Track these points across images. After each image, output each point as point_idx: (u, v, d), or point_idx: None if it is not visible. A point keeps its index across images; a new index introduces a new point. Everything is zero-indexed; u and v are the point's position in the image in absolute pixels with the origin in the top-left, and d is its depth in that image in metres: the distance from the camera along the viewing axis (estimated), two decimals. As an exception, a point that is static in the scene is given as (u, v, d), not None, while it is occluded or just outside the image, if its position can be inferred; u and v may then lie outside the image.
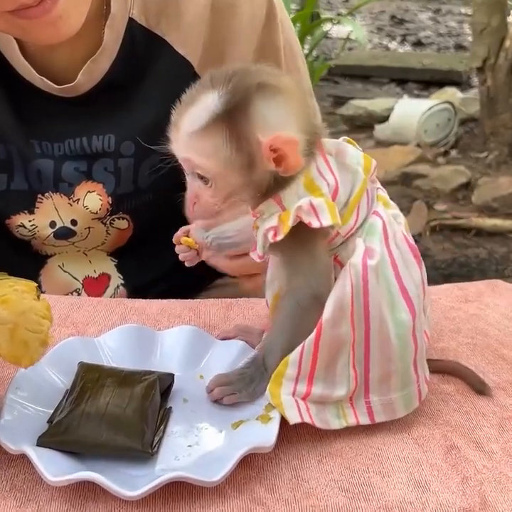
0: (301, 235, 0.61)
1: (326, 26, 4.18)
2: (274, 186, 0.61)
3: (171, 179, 0.95)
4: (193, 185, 0.62)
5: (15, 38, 0.86)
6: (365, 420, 0.64)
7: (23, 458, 0.59)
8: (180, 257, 0.72)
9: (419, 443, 0.63)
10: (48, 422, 0.62)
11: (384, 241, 0.63)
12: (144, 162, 0.92)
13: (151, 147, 0.65)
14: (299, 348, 0.62)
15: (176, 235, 0.72)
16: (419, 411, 0.67)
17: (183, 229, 0.73)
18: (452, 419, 0.66)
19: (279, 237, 0.60)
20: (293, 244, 0.62)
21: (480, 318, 0.83)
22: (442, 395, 0.69)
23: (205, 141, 0.58)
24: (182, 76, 0.89)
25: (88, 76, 0.88)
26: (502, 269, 2.52)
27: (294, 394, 0.63)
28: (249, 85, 0.58)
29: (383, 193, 0.68)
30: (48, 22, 0.74)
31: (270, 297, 0.70)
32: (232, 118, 0.57)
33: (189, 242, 0.72)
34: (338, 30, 4.60)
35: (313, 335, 0.61)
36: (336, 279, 0.63)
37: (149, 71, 0.90)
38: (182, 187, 0.97)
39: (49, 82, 0.87)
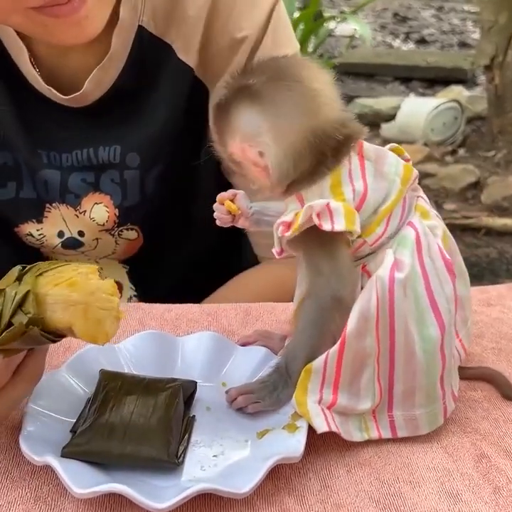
0: (323, 236, 0.60)
1: (330, 24, 4.17)
2: (294, 184, 0.61)
3: (179, 187, 0.94)
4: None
5: (28, 47, 0.85)
6: (387, 434, 0.63)
7: (47, 469, 0.58)
8: (215, 215, 0.69)
9: (449, 452, 0.62)
10: (71, 431, 0.61)
11: (416, 253, 0.61)
12: (149, 173, 0.91)
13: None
14: (322, 357, 0.61)
15: (221, 194, 0.71)
16: (448, 419, 0.65)
17: (230, 192, 0.71)
18: (481, 427, 0.65)
19: (288, 233, 0.59)
20: (314, 244, 0.61)
21: (503, 322, 0.82)
22: (470, 402, 0.68)
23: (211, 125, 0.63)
24: (184, 83, 0.88)
25: (95, 84, 0.86)
26: (513, 269, 2.51)
27: (320, 402, 0.61)
28: (240, 85, 0.60)
29: (424, 202, 0.66)
30: (73, 21, 0.73)
31: (298, 297, 0.69)
32: (218, 115, 0.61)
33: (231, 207, 0.70)
34: (341, 29, 4.59)
35: (337, 346, 0.60)
36: (362, 288, 0.61)
37: (156, 80, 0.88)
38: (189, 194, 0.97)
39: (56, 92, 0.86)
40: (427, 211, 0.65)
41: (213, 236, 1.02)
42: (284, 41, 0.90)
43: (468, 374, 0.70)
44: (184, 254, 1.01)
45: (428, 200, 0.67)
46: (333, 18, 4.25)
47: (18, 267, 0.59)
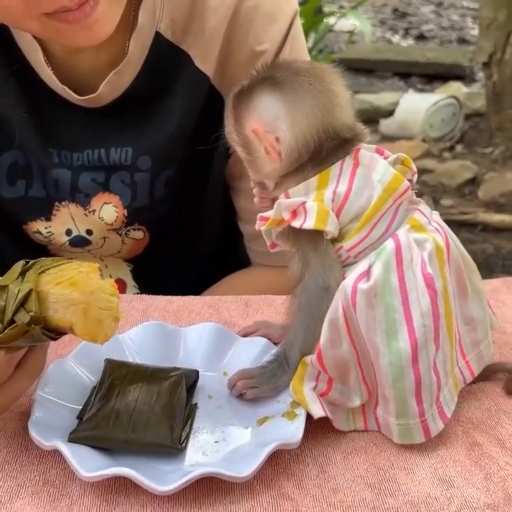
0: (309, 231, 0.62)
1: (330, 20, 4.17)
2: (284, 179, 0.65)
3: (187, 191, 0.96)
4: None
5: (40, 45, 0.86)
6: (373, 427, 0.65)
7: (54, 453, 0.60)
8: (255, 193, 0.71)
9: (442, 440, 0.64)
10: (77, 417, 0.63)
11: (396, 265, 0.61)
12: (160, 176, 0.93)
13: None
14: (310, 359, 0.63)
15: None
16: (441, 408, 0.67)
17: None
18: (474, 416, 0.67)
19: (262, 227, 0.65)
20: (303, 238, 0.64)
21: (497, 315, 0.84)
22: (464, 393, 0.70)
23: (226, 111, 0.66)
24: (199, 90, 0.90)
25: (111, 87, 0.88)
26: (509, 265, 2.52)
27: (315, 388, 0.64)
28: (265, 75, 0.64)
29: (420, 215, 0.65)
30: (84, 26, 0.74)
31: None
32: (239, 99, 0.65)
33: None
34: (340, 24, 4.58)
35: (315, 356, 0.63)
36: None
37: (171, 86, 0.90)
38: (197, 198, 0.99)
39: (71, 92, 0.88)
40: (421, 224, 0.64)
41: (216, 238, 1.05)
42: (300, 55, 0.93)
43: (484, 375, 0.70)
44: (188, 254, 1.03)
45: (429, 212, 0.66)
46: (333, 13, 4.25)
47: (21, 262, 0.60)
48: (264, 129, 0.62)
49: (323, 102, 0.63)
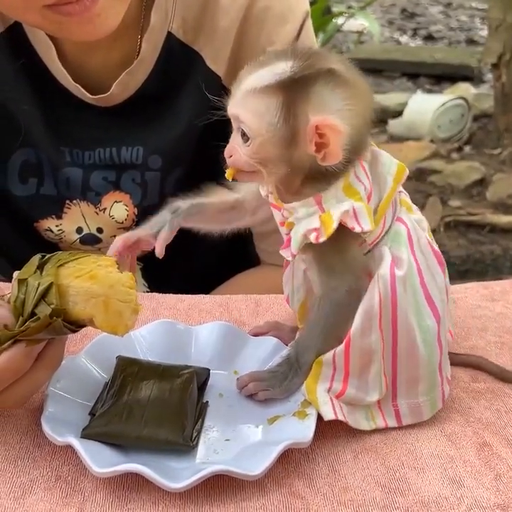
0: (335, 235, 0.61)
1: (339, 20, 4.16)
2: (310, 181, 0.61)
3: (196, 189, 0.96)
4: (234, 139, 0.62)
5: (54, 45, 0.86)
6: (392, 423, 0.66)
7: (66, 449, 0.61)
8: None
9: (452, 440, 0.64)
10: (89, 414, 0.63)
11: (409, 249, 0.63)
12: (170, 175, 0.93)
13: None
14: (331, 354, 0.63)
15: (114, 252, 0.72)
16: (451, 409, 0.68)
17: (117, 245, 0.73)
18: (483, 417, 0.67)
19: (322, 239, 0.60)
20: (327, 244, 0.61)
21: (506, 316, 0.84)
22: (473, 393, 0.70)
23: (257, 100, 0.59)
24: (211, 91, 0.90)
25: (122, 87, 0.88)
26: (517, 267, 2.53)
27: (329, 390, 0.64)
28: (322, 67, 0.58)
29: (406, 196, 0.68)
30: (85, 19, 0.75)
31: (297, 304, 0.71)
32: (292, 89, 0.58)
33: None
34: (348, 24, 4.58)
35: (342, 345, 0.62)
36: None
37: (183, 86, 0.90)
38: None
39: (83, 90, 0.88)
40: (410, 205, 0.67)
41: (226, 238, 1.05)
42: None
43: (457, 360, 0.73)
44: (197, 254, 1.03)
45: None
46: (341, 13, 4.25)
47: (38, 256, 0.61)
48: (330, 122, 0.57)
49: (369, 101, 0.62)
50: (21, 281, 0.59)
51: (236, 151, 0.62)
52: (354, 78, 0.60)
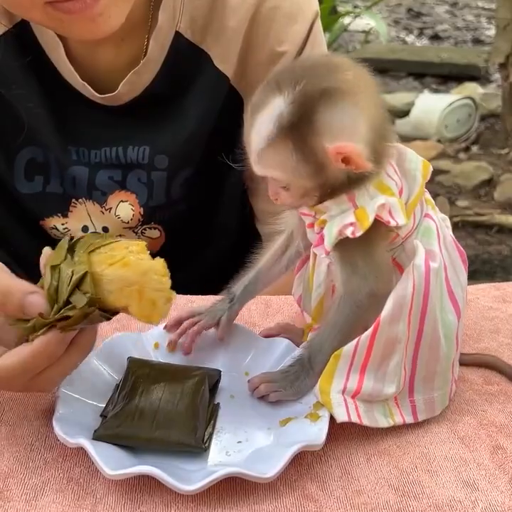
0: (363, 235, 0.61)
1: (345, 20, 4.16)
2: (347, 184, 0.60)
3: (204, 190, 0.96)
4: (272, 184, 0.62)
5: (62, 43, 0.86)
6: (409, 419, 0.65)
7: (78, 451, 0.61)
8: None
9: (466, 443, 0.64)
10: (101, 415, 0.63)
11: (438, 244, 0.65)
12: (177, 175, 0.93)
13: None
14: (353, 342, 0.62)
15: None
16: (464, 411, 0.67)
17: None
18: (497, 420, 0.67)
19: (358, 233, 0.60)
20: (352, 244, 0.62)
21: (515, 318, 0.84)
22: (486, 396, 0.70)
23: (271, 155, 0.59)
24: (219, 91, 0.90)
25: (130, 87, 0.88)
26: (525, 267, 2.51)
27: (344, 392, 0.63)
28: (315, 92, 0.56)
29: (429, 196, 0.69)
30: (87, 18, 0.75)
31: (315, 302, 0.70)
32: (298, 130, 0.57)
33: None
34: (354, 24, 4.58)
35: (370, 331, 0.62)
36: (395, 281, 0.63)
37: (190, 86, 0.90)
38: (213, 198, 0.98)
39: (91, 89, 0.88)
40: (434, 204, 0.68)
41: (233, 238, 1.05)
42: None
43: (469, 360, 0.73)
44: (204, 254, 1.03)
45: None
46: (348, 13, 4.24)
47: (66, 239, 0.60)
48: (345, 149, 0.56)
49: (376, 103, 0.61)
50: (53, 268, 0.58)
51: (280, 195, 0.62)
52: (353, 84, 0.58)
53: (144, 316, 0.58)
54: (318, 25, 0.91)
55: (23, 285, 0.59)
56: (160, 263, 0.59)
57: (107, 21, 0.76)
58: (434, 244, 0.64)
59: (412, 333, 0.63)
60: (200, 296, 0.87)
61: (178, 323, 0.73)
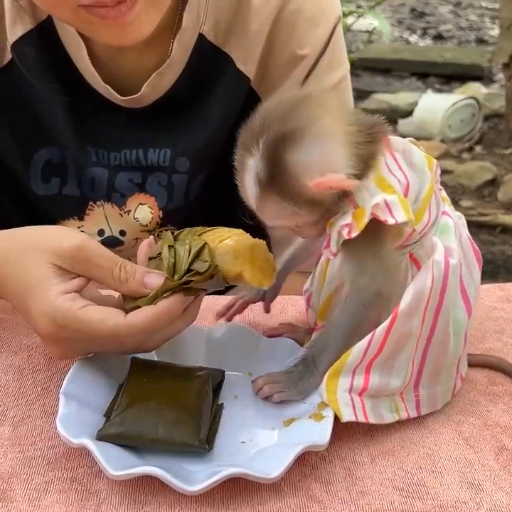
0: (370, 234, 0.61)
1: (348, 20, 4.15)
2: (346, 193, 0.61)
3: (221, 192, 0.96)
4: (285, 230, 0.66)
5: (85, 45, 0.86)
6: (413, 413, 0.66)
7: (81, 451, 0.61)
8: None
9: (470, 444, 0.64)
10: (104, 416, 0.63)
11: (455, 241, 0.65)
12: (197, 177, 0.93)
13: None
14: (368, 337, 0.62)
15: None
16: (469, 412, 0.67)
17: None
18: (502, 421, 0.66)
19: (354, 234, 0.60)
20: (361, 243, 0.62)
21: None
22: (491, 397, 0.69)
23: (268, 210, 0.62)
24: (239, 92, 0.90)
25: (152, 88, 0.88)
26: (528, 267, 2.51)
27: (351, 390, 0.63)
28: (277, 141, 0.58)
29: (445, 194, 0.69)
30: (118, 25, 0.75)
31: (324, 296, 0.70)
32: (277, 182, 0.59)
33: None
34: (358, 24, 4.57)
35: (386, 323, 0.62)
36: (412, 277, 0.65)
37: (212, 88, 0.90)
38: (230, 201, 0.98)
39: (113, 91, 0.87)
40: (450, 202, 0.69)
41: None
42: (339, 62, 0.92)
43: (475, 361, 0.73)
44: None
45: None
46: (351, 13, 4.24)
47: (169, 232, 0.67)
48: (324, 184, 0.58)
49: (343, 119, 0.61)
50: (169, 248, 0.64)
51: (298, 234, 0.67)
52: (311, 116, 0.59)
53: (257, 281, 0.65)
54: (340, 30, 0.92)
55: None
56: (262, 242, 0.67)
57: (137, 29, 0.77)
58: (453, 240, 0.65)
59: (425, 328, 0.64)
60: (215, 297, 0.87)
61: (228, 308, 0.78)
